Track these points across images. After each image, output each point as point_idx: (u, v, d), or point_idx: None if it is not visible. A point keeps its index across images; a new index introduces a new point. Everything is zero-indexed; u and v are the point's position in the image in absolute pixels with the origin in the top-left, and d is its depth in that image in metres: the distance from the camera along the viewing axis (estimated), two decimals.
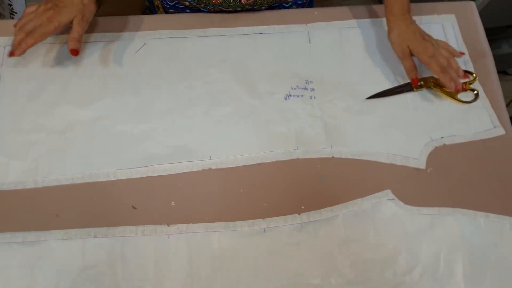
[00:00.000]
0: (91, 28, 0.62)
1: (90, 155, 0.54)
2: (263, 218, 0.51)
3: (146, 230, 0.50)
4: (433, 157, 0.56)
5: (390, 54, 0.62)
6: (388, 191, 0.53)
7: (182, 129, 0.56)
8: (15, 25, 0.54)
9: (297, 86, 0.60)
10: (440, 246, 0.51)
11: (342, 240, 0.50)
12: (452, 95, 0.60)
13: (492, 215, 0.53)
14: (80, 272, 0.47)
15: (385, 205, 0.52)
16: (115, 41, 0.61)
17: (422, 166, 0.56)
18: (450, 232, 0.51)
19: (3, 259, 0.47)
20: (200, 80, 0.59)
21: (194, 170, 0.54)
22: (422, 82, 0.60)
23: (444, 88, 0.59)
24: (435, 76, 0.58)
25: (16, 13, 1.16)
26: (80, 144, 0.54)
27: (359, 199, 0.53)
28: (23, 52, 0.52)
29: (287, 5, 0.70)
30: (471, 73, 0.62)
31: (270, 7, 0.66)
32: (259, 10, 0.66)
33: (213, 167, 0.54)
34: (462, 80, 0.58)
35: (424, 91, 0.60)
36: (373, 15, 0.66)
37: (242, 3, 0.62)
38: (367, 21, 0.66)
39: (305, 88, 0.60)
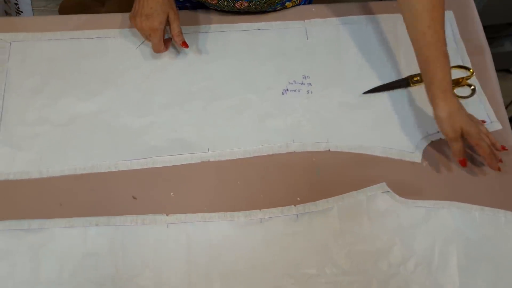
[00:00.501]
0: (95, 24, 0.63)
1: (92, 147, 0.55)
2: (260, 209, 0.52)
3: (146, 219, 0.51)
4: (428, 151, 0.57)
5: (386, 50, 0.63)
6: (384, 184, 0.54)
7: (181, 123, 0.57)
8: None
9: (294, 81, 0.61)
10: (435, 239, 0.51)
11: (338, 231, 0.51)
12: None
13: (487, 208, 0.53)
14: (82, 258, 0.49)
15: (380, 198, 0.53)
16: (117, 37, 0.63)
17: (418, 159, 0.56)
18: (445, 224, 0.52)
19: (9, 245, 0.49)
20: (199, 75, 0.61)
21: (193, 162, 0.55)
22: (418, 78, 0.61)
23: None
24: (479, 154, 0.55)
25: (22, 12, 1.14)
26: (83, 136, 0.56)
27: (354, 191, 0.53)
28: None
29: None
30: (468, 68, 0.63)
31: (265, 12, 0.67)
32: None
33: (211, 160, 0.55)
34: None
35: (420, 86, 0.61)
36: (370, 12, 0.67)
37: (237, 7, 0.63)
38: (364, 18, 0.66)
39: (302, 83, 0.61)
